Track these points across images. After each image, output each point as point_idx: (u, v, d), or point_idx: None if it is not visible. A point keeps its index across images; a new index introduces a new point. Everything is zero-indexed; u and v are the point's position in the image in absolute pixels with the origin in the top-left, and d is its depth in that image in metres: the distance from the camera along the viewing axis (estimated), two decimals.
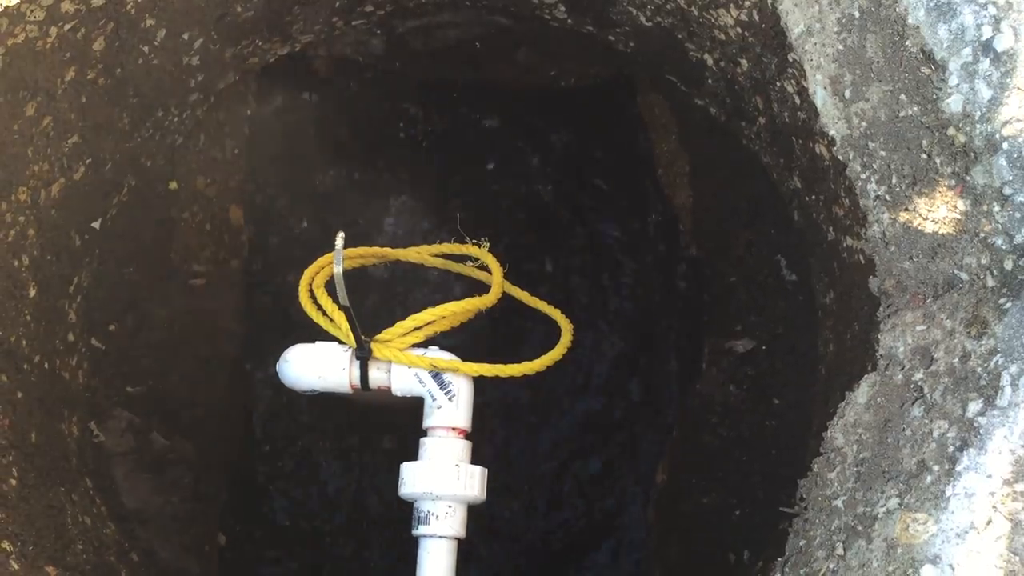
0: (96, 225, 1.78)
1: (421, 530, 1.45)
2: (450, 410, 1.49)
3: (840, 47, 1.13)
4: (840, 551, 0.97)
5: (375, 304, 2.11)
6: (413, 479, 1.45)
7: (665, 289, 2.14)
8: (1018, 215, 0.90)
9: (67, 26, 1.50)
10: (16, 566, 1.36)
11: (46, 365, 1.65)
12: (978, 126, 0.92)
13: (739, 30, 1.60)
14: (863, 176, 1.14)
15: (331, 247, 1.57)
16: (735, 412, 1.91)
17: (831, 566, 0.96)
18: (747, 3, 1.42)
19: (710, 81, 1.85)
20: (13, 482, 1.46)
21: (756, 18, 1.50)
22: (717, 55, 1.75)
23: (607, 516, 2.06)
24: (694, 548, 1.87)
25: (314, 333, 1.64)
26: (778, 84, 1.55)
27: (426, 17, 2.03)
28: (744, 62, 1.66)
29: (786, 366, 1.85)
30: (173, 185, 1.94)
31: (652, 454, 2.06)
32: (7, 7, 1.36)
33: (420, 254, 1.72)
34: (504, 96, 2.20)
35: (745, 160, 1.89)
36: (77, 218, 1.72)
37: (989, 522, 0.80)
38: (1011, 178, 0.89)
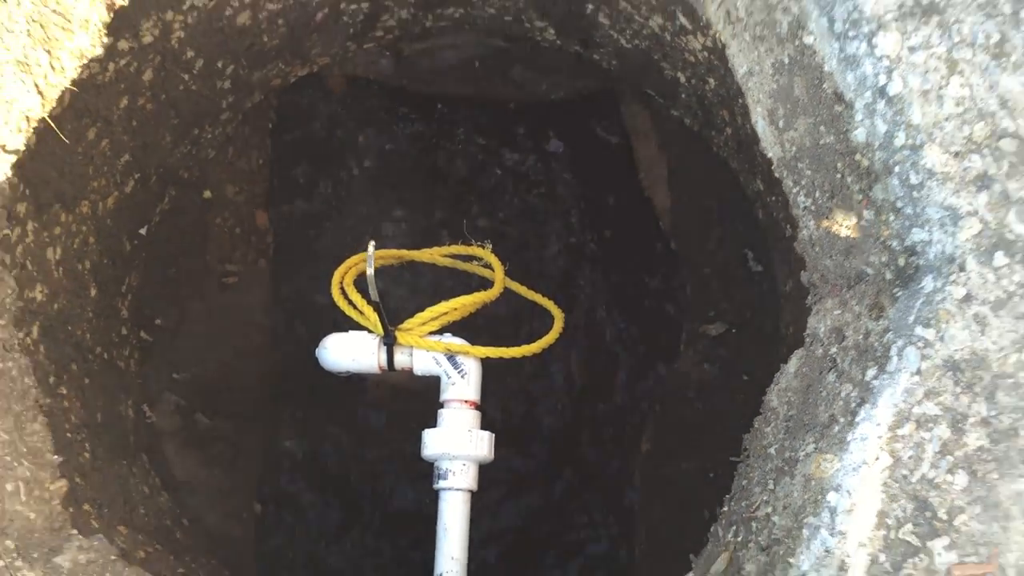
0: (143, 231, 1.98)
1: (441, 484, 1.69)
2: (462, 386, 1.72)
3: (774, 86, 1.36)
4: (771, 487, 1.21)
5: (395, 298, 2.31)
6: (433, 443, 1.69)
7: (648, 280, 2.35)
8: (907, 223, 1.14)
9: (122, 61, 1.70)
10: (96, 524, 1.59)
11: (105, 356, 1.86)
12: (877, 153, 1.15)
13: (706, 54, 1.80)
14: (794, 190, 1.37)
15: (351, 250, 1.82)
16: (710, 388, 2.12)
17: (764, 498, 1.21)
18: (711, 34, 1.64)
19: (683, 95, 2.05)
20: (87, 455, 1.69)
21: (719, 46, 1.71)
22: (688, 74, 1.95)
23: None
24: (674, 508, 2.09)
25: (328, 323, 1.85)
26: (740, 101, 1.76)
27: (430, 40, 2.22)
28: (712, 81, 1.87)
29: (753, 346, 2.06)
30: (207, 194, 2.14)
31: (637, 426, 2.28)
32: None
33: (432, 255, 1.92)
34: (500, 107, 2.40)
35: (716, 165, 2.10)
36: (128, 226, 1.93)
37: (877, 458, 1.05)
38: (902, 194, 1.13)
